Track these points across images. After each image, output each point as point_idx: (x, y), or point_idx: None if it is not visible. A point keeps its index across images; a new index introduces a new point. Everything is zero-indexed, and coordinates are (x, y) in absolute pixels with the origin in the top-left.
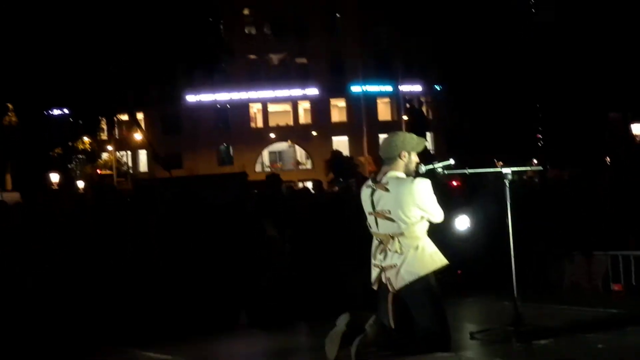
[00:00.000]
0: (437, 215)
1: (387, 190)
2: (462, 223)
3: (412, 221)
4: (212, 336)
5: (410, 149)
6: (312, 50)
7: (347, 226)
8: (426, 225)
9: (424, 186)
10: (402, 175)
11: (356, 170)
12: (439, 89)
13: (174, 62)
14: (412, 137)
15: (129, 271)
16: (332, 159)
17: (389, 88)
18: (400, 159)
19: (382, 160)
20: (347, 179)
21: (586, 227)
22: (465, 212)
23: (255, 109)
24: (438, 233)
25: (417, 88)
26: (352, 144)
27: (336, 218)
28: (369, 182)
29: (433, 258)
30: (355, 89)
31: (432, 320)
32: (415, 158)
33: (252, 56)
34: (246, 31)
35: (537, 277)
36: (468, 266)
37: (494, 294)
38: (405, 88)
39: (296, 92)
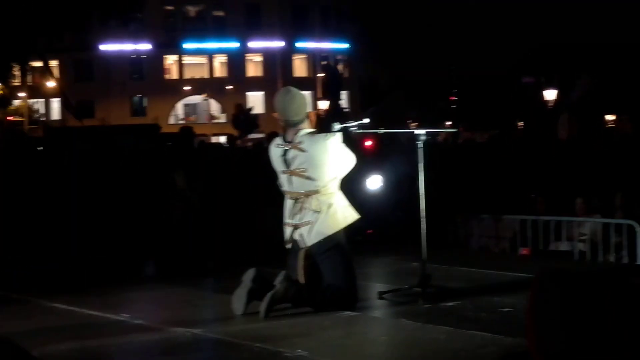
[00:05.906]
0: (351, 163)
1: (301, 150)
2: (374, 183)
3: (328, 179)
4: (118, 288)
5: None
6: (230, 2)
7: (257, 181)
8: (339, 180)
9: (336, 142)
10: (312, 130)
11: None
12: (356, 46)
13: (88, 8)
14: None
15: (39, 218)
16: (236, 114)
17: (305, 44)
18: (308, 117)
19: (287, 122)
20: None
21: (496, 189)
22: (377, 172)
23: (170, 60)
24: (349, 192)
25: (334, 45)
26: (268, 99)
27: (246, 173)
28: (278, 141)
29: (345, 214)
30: (272, 44)
31: (341, 279)
32: None
33: (169, 7)
34: None
35: (446, 238)
36: (378, 226)
37: (403, 254)
38: (322, 45)
39: (212, 44)
